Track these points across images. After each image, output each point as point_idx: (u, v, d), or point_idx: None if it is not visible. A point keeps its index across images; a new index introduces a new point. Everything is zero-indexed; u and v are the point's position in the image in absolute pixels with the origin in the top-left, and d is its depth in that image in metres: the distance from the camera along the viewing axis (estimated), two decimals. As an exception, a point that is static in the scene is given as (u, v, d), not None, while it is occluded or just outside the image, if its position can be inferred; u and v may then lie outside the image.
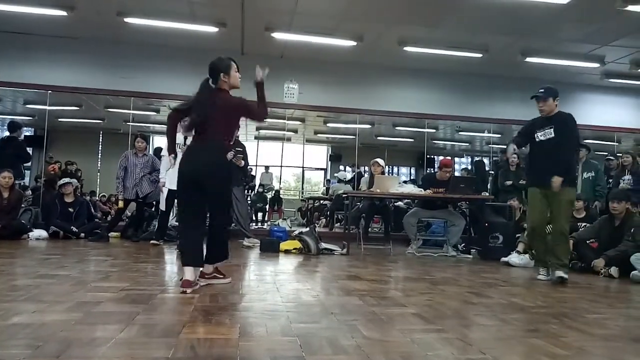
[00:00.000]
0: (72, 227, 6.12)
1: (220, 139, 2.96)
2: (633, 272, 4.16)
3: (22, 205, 6.46)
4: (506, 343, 1.95)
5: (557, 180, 3.88)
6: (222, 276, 3.09)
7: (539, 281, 3.96)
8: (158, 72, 7.96)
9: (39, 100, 8.19)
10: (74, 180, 6.83)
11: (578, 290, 3.58)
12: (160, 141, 10.87)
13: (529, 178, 4.35)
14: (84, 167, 10.09)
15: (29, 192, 8.25)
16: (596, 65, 7.89)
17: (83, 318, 2.02)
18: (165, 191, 5.60)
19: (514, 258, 5.06)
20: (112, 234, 6.24)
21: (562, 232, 4.00)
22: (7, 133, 7.24)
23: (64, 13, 6.61)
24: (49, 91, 7.84)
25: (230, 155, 5.81)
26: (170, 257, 4.66)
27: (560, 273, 3.85)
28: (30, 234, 5.84)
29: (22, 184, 7.27)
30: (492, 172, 8.92)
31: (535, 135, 4.19)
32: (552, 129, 4.06)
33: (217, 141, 2.95)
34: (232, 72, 3.00)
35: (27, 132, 9.57)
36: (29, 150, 7.76)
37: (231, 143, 3.06)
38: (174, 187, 5.44)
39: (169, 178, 5.51)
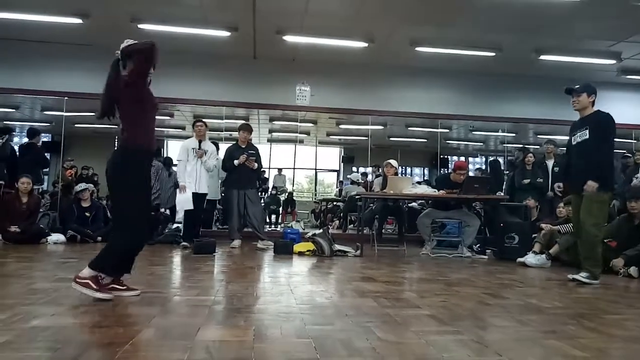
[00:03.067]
0: (88, 230, 6.22)
1: (123, 133, 2.67)
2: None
3: (41, 210, 6.58)
4: (523, 345, 1.92)
5: (590, 186, 3.69)
6: (122, 287, 2.69)
7: (554, 281, 3.90)
8: (171, 77, 7.99)
9: (56, 106, 8.34)
10: (90, 185, 6.93)
11: (596, 290, 3.52)
12: (174, 146, 10.99)
13: (569, 182, 4.06)
14: (100, 172, 10.22)
15: (47, 197, 8.39)
16: (613, 61, 7.77)
17: (100, 321, 2.05)
18: (186, 194, 5.64)
19: (530, 258, 4.99)
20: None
21: (588, 236, 3.79)
22: (26, 139, 7.39)
23: (79, 21, 6.73)
24: (66, 97, 7.99)
25: (242, 158, 5.94)
26: (184, 260, 4.69)
27: (580, 276, 3.74)
28: (49, 238, 5.94)
29: (40, 189, 7.41)
30: (508, 172, 8.83)
31: (573, 138, 3.99)
32: (586, 130, 3.86)
33: (121, 136, 2.68)
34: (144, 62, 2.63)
35: (45, 138, 9.74)
36: (47, 155, 7.89)
37: (139, 136, 2.64)
38: (194, 190, 5.64)
39: (190, 182, 5.70)
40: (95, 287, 2.51)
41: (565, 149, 4.78)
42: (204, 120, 6.03)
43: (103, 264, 2.58)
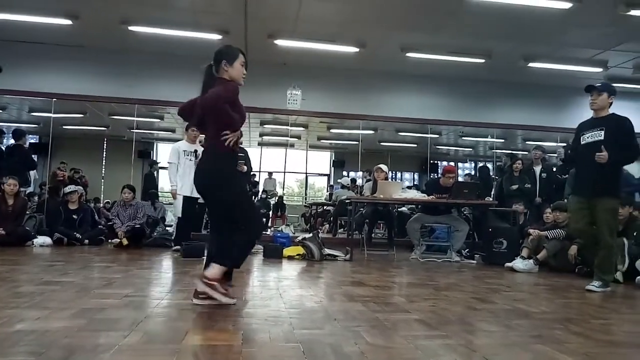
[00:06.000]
0: (75, 233, 6.14)
1: (211, 140, 2.65)
2: (638, 277, 4.13)
3: (27, 212, 6.49)
4: (510, 349, 1.93)
5: (603, 157, 3.55)
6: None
7: (541, 286, 3.93)
8: (161, 80, 8.00)
9: (44, 108, 8.25)
10: (79, 188, 6.86)
11: (583, 295, 3.55)
12: (164, 148, 10.94)
13: (573, 185, 3.93)
14: (88, 174, 10.14)
15: (35, 198, 8.29)
16: (599, 69, 7.89)
17: (86, 324, 2.03)
18: (179, 198, 5.49)
19: (518, 263, 5.03)
20: (114, 240, 6.19)
21: (606, 246, 3.72)
22: (12, 141, 7.30)
23: (68, 22, 6.68)
24: (54, 99, 7.91)
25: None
26: (170, 263, 4.66)
27: (592, 286, 3.68)
28: (35, 240, 5.86)
29: (26, 191, 7.32)
30: (497, 178, 8.90)
31: (582, 137, 3.87)
32: (602, 131, 3.71)
33: (208, 144, 2.70)
34: (237, 64, 2.73)
35: (32, 139, 9.63)
36: (35, 157, 7.81)
37: (227, 144, 2.58)
38: (188, 194, 5.49)
39: (182, 184, 5.52)
40: (222, 291, 2.52)
41: (553, 154, 4.81)
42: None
43: (225, 258, 2.57)
